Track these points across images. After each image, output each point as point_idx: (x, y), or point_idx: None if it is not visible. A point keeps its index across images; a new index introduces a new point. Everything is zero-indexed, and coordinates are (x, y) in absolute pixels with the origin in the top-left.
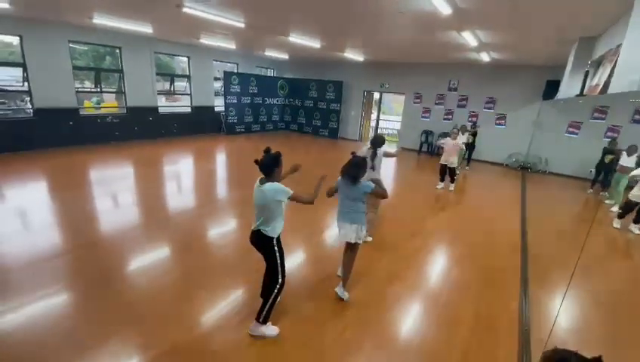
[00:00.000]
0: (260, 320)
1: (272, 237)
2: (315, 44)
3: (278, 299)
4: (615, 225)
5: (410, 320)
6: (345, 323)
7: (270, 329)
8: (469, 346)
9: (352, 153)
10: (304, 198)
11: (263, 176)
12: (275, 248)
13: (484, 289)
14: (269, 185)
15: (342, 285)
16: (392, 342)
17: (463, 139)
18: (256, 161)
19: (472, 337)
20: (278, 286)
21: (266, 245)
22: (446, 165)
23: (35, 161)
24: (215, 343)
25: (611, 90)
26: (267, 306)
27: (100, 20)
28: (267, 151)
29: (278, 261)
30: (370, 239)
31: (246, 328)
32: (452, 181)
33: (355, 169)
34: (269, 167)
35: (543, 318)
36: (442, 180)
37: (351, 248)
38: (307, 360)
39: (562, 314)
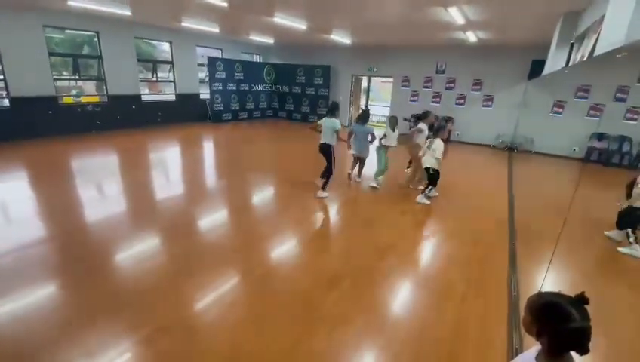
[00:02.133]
0: (324, 189)
1: (331, 145)
2: (300, 25)
3: (330, 181)
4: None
5: (402, 291)
6: (336, 296)
7: (324, 193)
8: (460, 313)
9: (362, 109)
10: (341, 137)
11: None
12: (333, 152)
13: (474, 260)
14: (330, 120)
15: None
16: (385, 312)
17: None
18: (329, 108)
19: (463, 305)
20: (331, 175)
21: (328, 149)
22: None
23: (12, 152)
24: (207, 321)
25: (597, 52)
26: (327, 183)
27: (76, 2)
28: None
29: (333, 160)
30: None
31: (237, 306)
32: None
33: (363, 115)
34: (332, 110)
35: (530, 285)
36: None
37: (360, 162)
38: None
39: (549, 280)
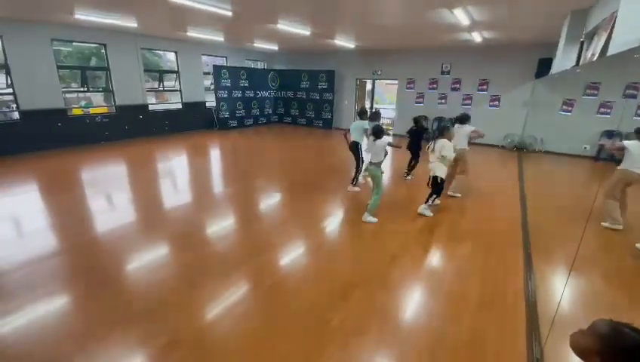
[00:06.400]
0: (353, 183)
1: (359, 143)
2: (304, 31)
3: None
4: None
5: (415, 300)
6: (349, 307)
7: (354, 189)
8: (476, 322)
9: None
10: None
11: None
12: (359, 150)
13: (488, 266)
14: (360, 121)
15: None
16: (398, 322)
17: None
18: (358, 112)
19: (480, 313)
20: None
21: (355, 147)
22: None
23: (23, 165)
24: (218, 334)
25: (611, 52)
26: (356, 174)
27: (83, 16)
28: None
29: (360, 157)
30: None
31: (249, 317)
32: (427, 199)
33: (377, 132)
34: (361, 113)
35: (547, 291)
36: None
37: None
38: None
39: (567, 286)
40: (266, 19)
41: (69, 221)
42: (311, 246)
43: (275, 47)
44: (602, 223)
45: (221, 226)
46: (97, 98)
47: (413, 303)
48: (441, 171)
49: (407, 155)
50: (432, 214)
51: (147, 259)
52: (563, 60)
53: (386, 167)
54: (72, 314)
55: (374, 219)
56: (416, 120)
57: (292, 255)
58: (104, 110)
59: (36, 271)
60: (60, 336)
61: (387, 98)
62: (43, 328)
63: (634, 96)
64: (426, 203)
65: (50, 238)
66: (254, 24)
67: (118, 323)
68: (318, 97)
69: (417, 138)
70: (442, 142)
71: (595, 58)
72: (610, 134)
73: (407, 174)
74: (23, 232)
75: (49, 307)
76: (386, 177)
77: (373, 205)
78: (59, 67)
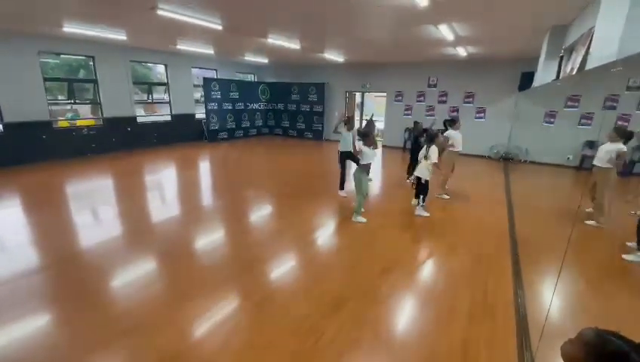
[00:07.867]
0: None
1: (339, 150)
2: (294, 45)
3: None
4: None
5: (407, 312)
6: (340, 320)
7: (342, 193)
8: (468, 334)
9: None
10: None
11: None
12: (340, 159)
13: (477, 276)
14: (347, 133)
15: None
16: (390, 335)
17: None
18: (344, 119)
19: (470, 325)
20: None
21: (339, 154)
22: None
23: (6, 178)
24: (208, 350)
25: (589, 66)
26: (341, 179)
27: (71, 29)
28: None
29: (340, 166)
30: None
31: (237, 334)
32: (418, 201)
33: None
34: (346, 122)
35: (537, 300)
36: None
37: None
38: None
39: (556, 295)
40: (255, 33)
41: (53, 236)
42: (302, 258)
43: (265, 60)
44: (589, 222)
45: (209, 240)
46: (84, 110)
47: (404, 315)
48: (423, 173)
49: (401, 163)
50: (428, 214)
51: (134, 275)
52: (544, 74)
53: (378, 173)
54: (56, 333)
55: (363, 219)
56: (415, 123)
57: (283, 267)
58: (91, 122)
59: (18, 288)
60: (42, 357)
61: (376, 110)
62: (25, 348)
63: (613, 108)
64: (418, 204)
65: (33, 254)
66: (244, 38)
67: (103, 341)
68: (308, 109)
69: (416, 142)
70: (432, 148)
71: (574, 72)
72: (591, 144)
73: (408, 178)
74: (5, 247)
75: (31, 325)
76: (378, 185)
77: (358, 206)
78: (45, 79)
